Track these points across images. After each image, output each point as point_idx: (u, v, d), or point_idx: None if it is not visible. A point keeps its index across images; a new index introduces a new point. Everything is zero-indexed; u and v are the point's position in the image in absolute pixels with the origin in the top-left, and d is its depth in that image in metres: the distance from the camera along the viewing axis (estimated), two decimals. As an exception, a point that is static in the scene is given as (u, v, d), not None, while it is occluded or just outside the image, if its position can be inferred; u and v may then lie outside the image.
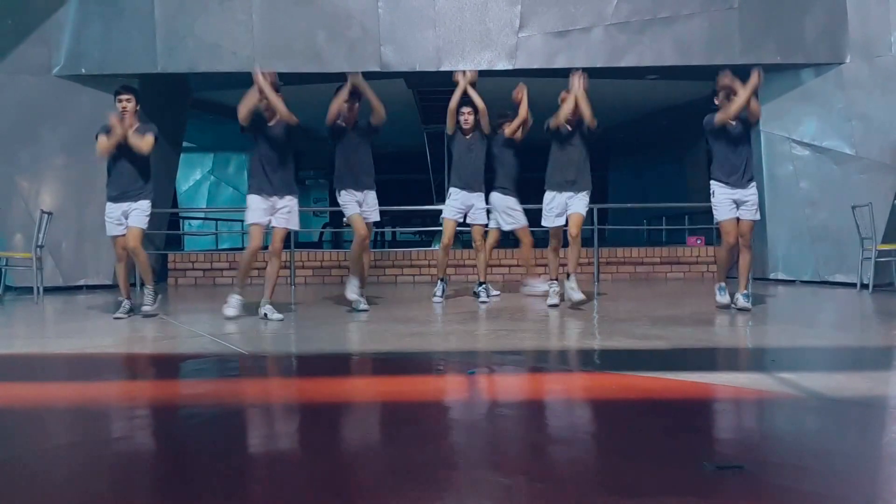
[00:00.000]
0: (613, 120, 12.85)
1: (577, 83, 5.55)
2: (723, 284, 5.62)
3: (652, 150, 15.19)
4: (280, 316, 5.20)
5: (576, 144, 5.71)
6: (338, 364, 3.79)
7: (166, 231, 9.55)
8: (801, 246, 8.08)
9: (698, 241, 9.88)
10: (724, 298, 5.55)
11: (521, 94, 6.27)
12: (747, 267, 5.51)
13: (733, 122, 5.36)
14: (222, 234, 13.55)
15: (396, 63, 7.75)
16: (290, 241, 9.26)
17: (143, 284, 5.89)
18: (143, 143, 5.31)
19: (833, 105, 7.74)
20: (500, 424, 2.60)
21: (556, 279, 5.96)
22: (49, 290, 7.32)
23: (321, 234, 17.60)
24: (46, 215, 6.91)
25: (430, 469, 2.05)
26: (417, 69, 7.82)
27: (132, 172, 5.42)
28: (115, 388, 3.33)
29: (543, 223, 5.92)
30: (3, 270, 7.44)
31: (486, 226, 6.48)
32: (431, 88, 9.74)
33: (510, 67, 7.74)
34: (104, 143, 5.30)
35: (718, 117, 5.35)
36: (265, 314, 5.19)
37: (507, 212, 6.42)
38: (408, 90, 10.04)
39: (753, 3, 7.67)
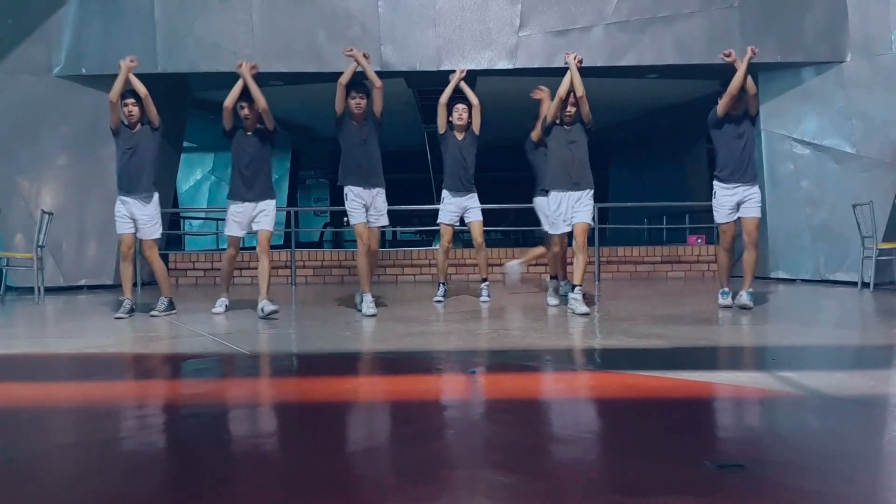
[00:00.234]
0: (613, 119, 12.86)
1: (572, 60, 5.39)
2: (726, 290, 5.56)
3: (652, 149, 15.18)
4: (275, 307, 5.29)
5: (577, 141, 5.46)
6: (338, 363, 3.79)
7: (167, 231, 9.54)
8: (801, 244, 8.07)
9: (699, 240, 9.88)
10: (726, 300, 5.54)
11: (542, 94, 6.20)
12: (752, 265, 5.48)
13: (734, 112, 5.35)
14: (223, 234, 13.52)
15: (397, 62, 7.76)
16: (291, 241, 9.28)
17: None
18: (152, 104, 5.41)
19: (833, 104, 7.73)
20: (501, 424, 2.60)
21: (556, 276, 5.95)
22: (50, 290, 7.33)
23: (321, 233, 17.62)
24: (47, 215, 6.92)
25: (432, 468, 2.05)
26: (418, 69, 7.83)
27: (139, 168, 5.45)
28: (116, 388, 3.33)
29: (550, 230, 5.78)
30: (3, 271, 7.45)
31: (483, 222, 6.39)
32: (432, 88, 9.70)
33: (510, 67, 7.75)
34: (117, 85, 5.43)
35: (720, 105, 5.35)
36: (262, 308, 5.29)
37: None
38: (408, 90, 10.03)
39: (754, 1, 7.68)
